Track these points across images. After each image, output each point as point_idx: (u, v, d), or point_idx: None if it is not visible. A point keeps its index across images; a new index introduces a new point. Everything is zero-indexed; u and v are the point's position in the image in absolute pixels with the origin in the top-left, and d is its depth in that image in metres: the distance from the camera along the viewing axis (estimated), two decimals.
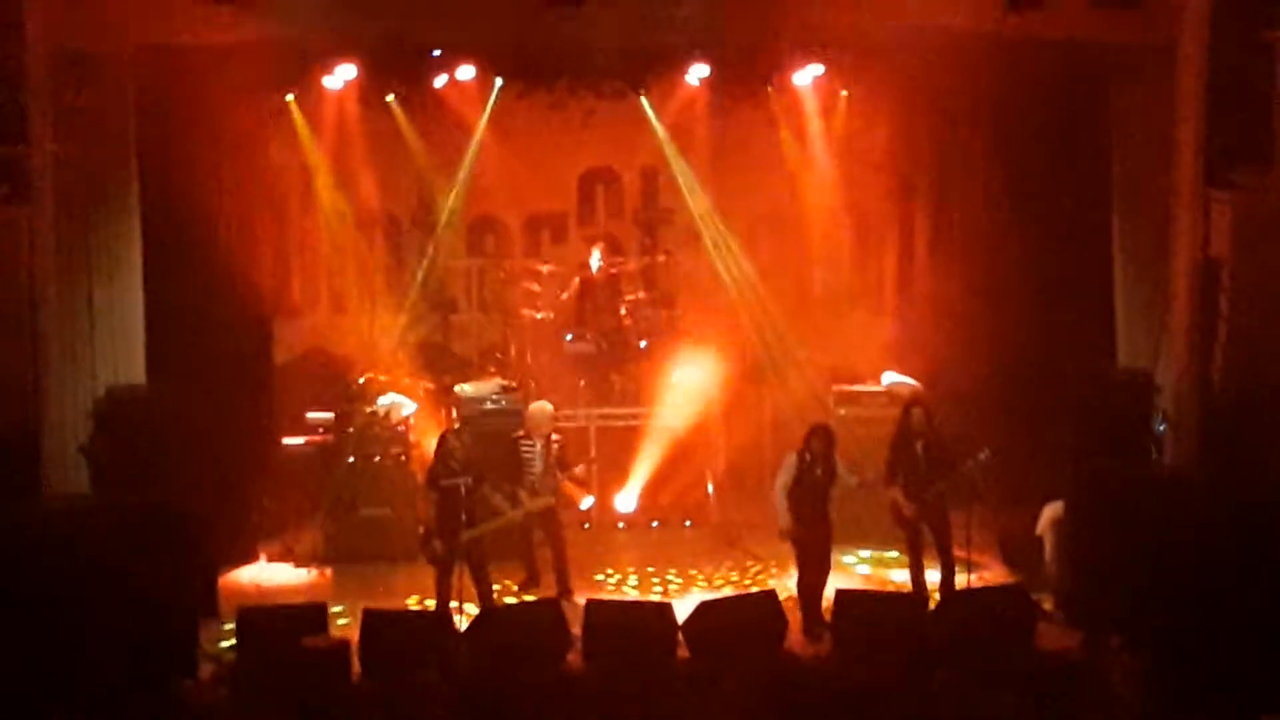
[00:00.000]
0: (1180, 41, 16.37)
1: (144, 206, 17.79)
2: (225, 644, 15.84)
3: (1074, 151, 18.84)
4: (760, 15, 18.13)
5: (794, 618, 16.15)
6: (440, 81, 20.46)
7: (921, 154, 20.72)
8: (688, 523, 19.97)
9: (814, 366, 20.30)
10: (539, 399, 18.94)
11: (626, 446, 19.97)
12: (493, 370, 20.96)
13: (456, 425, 18.80)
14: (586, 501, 19.04)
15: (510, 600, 17.18)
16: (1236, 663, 14.27)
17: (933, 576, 16.88)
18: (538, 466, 17.55)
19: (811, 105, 21.07)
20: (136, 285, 17.75)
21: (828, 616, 16.15)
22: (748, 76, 20.87)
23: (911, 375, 19.69)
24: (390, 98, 20.74)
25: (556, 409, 18.47)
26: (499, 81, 20.46)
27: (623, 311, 21.44)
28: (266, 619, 15.58)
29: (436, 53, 19.80)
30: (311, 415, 20.31)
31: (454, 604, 16.19)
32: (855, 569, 18.39)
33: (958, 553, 16.71)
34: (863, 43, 19.01)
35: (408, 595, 17.33)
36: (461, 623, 15.77)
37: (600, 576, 18.30)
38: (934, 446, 16.82)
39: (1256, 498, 15.19)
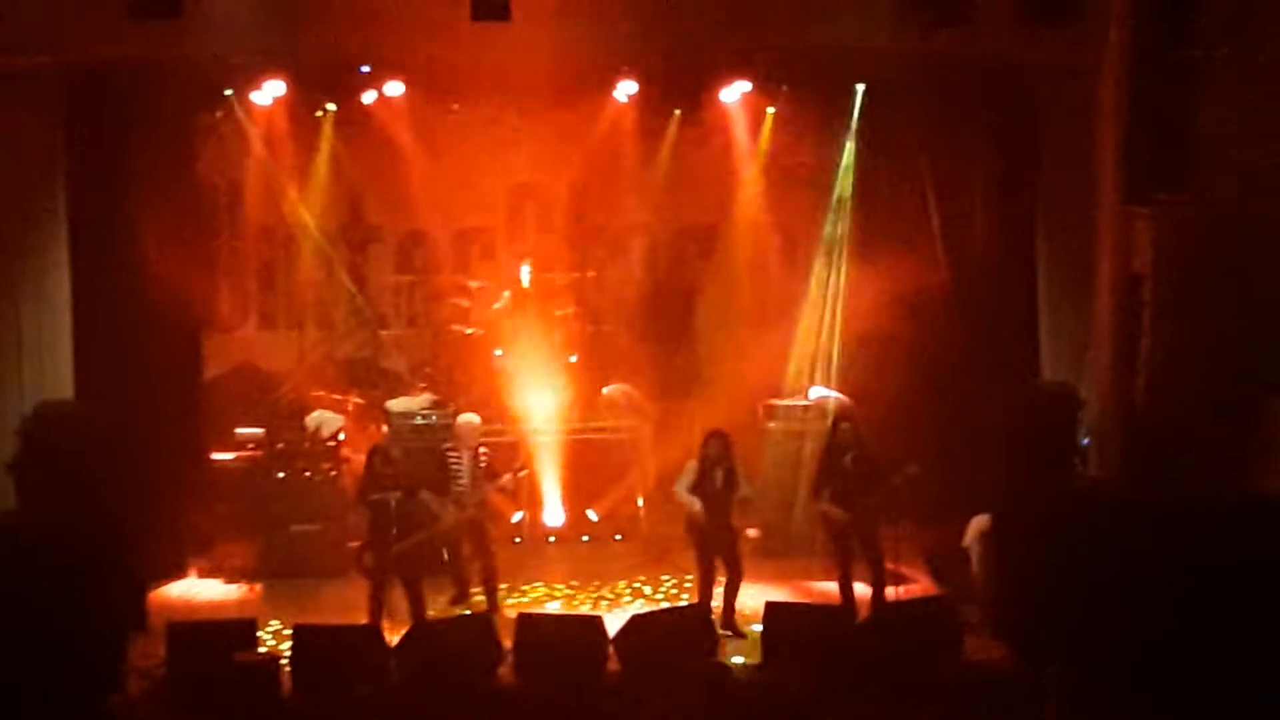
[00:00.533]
0: (1102, 60, 16.56)
1: (71, 222, 17.75)
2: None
3: (1000, 166, 19.02)
4: (688, 33, 18.21)
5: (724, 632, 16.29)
6: (369, 97, 20.49)
7: (847, 170, 20.86)
8: (618, 536, 20.05)
9: (741, 380, 20.39)
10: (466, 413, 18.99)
11: (556, 461, 20.02)
12: (422, 386, 20.95)
13: (385, 440, 18.80)
14: (516, 515, 19.07)
15: (441, 615, 17.20)
16: (1161, 673, 14.43)
17: (861, 589, 17.01)
18: (465, 479, 17.54)
19: (739, 122, 21.20)
20: (64, 301, 17.70)
21: (753, 626, 16.27)
22: (675, 93, 20.99)
23: (838, 389, 19.81)
24: (320, 113, 20.74)
25: (486, 424, 18.52)
26: None
27: (551, 327, 21.50)
28: (196, 634, 15.55)
29: (365, 69, 19.83)
30: (241, 431, 20.27)
31: (385, 619, 16.22)
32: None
33: (886, 565, 16.84)
34: (789, 61, 19.13)
35: (338, 610, 17.31)
36: (393, 638, 15.77)
37: (530, 591, 18.33)
38: (862, 460, 16.94)
39: (1179, 510, 15.36)
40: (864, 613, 16.64)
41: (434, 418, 19.65)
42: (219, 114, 20.19)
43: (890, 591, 16.80)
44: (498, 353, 21.27)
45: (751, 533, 19.64)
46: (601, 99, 20.90)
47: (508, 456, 18.64)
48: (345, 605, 17.18)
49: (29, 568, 14.89)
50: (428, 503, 16.75)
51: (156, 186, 18.85)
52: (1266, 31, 16.22)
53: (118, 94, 18.09)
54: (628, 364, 21.21)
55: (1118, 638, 14.89)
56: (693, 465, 17.03)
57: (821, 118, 20.55)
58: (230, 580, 18.84)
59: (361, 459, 17.59)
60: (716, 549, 17.02)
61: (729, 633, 16.62)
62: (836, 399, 19.58)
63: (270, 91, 19.80)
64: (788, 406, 19.97)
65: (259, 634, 15.71)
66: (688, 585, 18.25)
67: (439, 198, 21.91)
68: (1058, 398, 17.64)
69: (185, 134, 19.59)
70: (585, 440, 20.18)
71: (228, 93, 19.76)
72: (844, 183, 20.60)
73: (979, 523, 17.44)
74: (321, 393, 20.62)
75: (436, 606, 17.20)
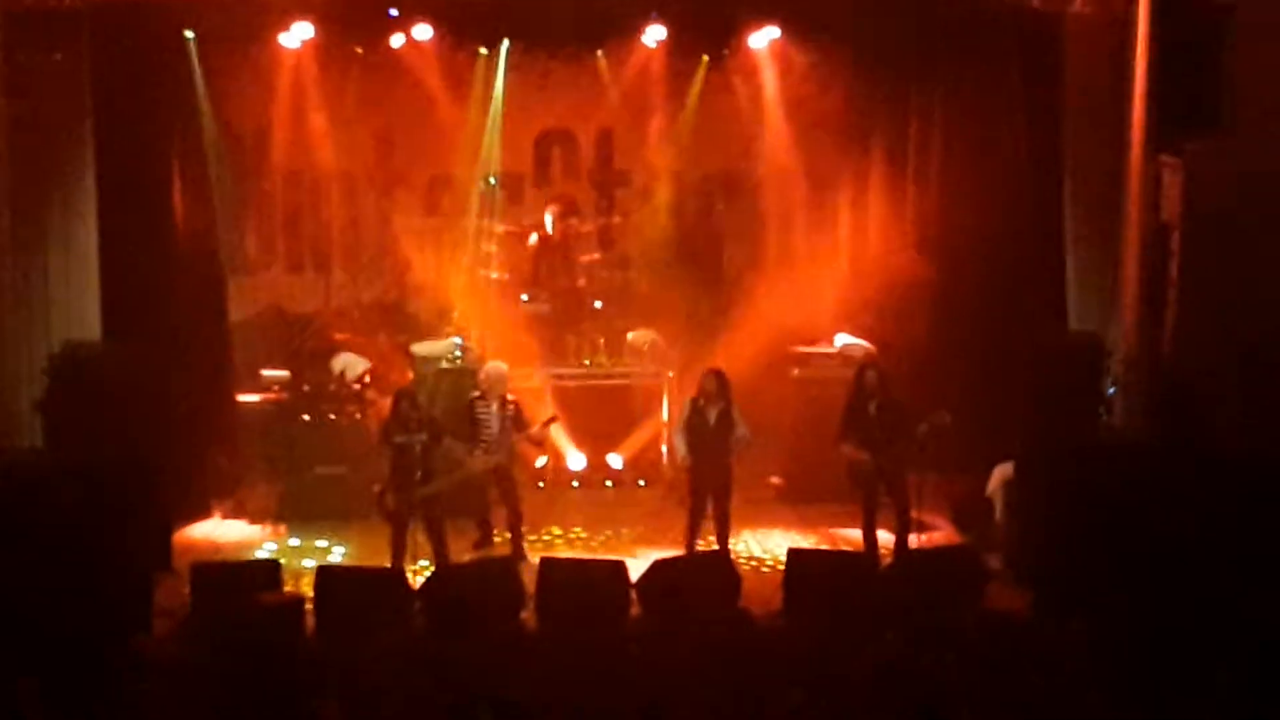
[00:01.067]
0: (1131, 7, 16.47)
1: (99, 164, 17.76)
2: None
3: (1027, 116, 18.92)
4: None
5: (748, 578, 16.31)
6: (397, 41, 20.45)
7: (877, 117, 20.76)
8: (641, 482, 20.08)
9: (767, 327, 20.37)
10: (493, 359, 19.01)
11: (580, 407, 20.05)
12: (448, 330, 20.97)
13: (411, 383, 18.83)
14: (540, 460, 19.11)
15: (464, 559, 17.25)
16: (1183, 625, 14.42)
17: (884, 536, 17.03)
18: (493, 427, 17.51)
19: (767, 68, 21.13)
20: (92, 242, 17.73)
21: (774, 574, 16.31)
22: (704, 39, 20.91)
23: (864, 337, 19.79)
24: (349, 56, 20.68)
25: (511, 368, 18.53)
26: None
27: (578, 272, 21.52)
28: (220, 575, 15.64)
29: (393, 12, 19.78)
30: (266, 373, 20.35)
31: (408, 562, 16.28)
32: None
33: (910, 513, 16.85)
34: (818, 7, 19.05)
35: (361, 552, 17.38)
36: (415, 580, 15.84)
37: (554, 534, 18.39)
38: (887, 408, 16.94)
39: (1204, 460, 15.34)
40: (887, 560, 16.66)
41: (459, 361, 19.67)
42: (248, 55, 20.14)
43: (913, 539, 16.81)
44: (524, 297, 21.28)
45: (774, 480, 19.70)
46: (630, 44, 20.85)
47: (534, 403, 18.65)
48: (369, 548, 17.24)
49: (56, 507, 14.97)
50: (451, 448, 16.79)
51: (184, 128, 18.87)
52: None
53: (145, 36, 18.07)
54: (653, 310, 21.18)
55: (1140, 588, 14.88)
56: (688, 402, 17.23)
57: (850, 65, 20.43)
58: (254, 521, 18.92)
59: (386, 402, 17.62)
60: (708, 486, 17.13)
61: None
62: (862, 346, 19.55)
63: (299, 34, 19.77)
64: (813, 354, 19.97)
65: (282, 575, 15.76)
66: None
67: (466, 142, 21.86)
68: (1084, 347, 17.60)
69: (214, 75, 19.57)
70: (610, 386, 20.21)
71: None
72: (872, 130, 20.52)
73: (1003, 471, 17.44)
74: (347, 335, 20.62)
75: (460, 550, 17.25)
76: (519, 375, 19.02)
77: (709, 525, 17.18)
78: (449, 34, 20.32)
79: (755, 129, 21.50)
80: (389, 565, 16.33)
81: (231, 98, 20.39)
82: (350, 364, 19.68)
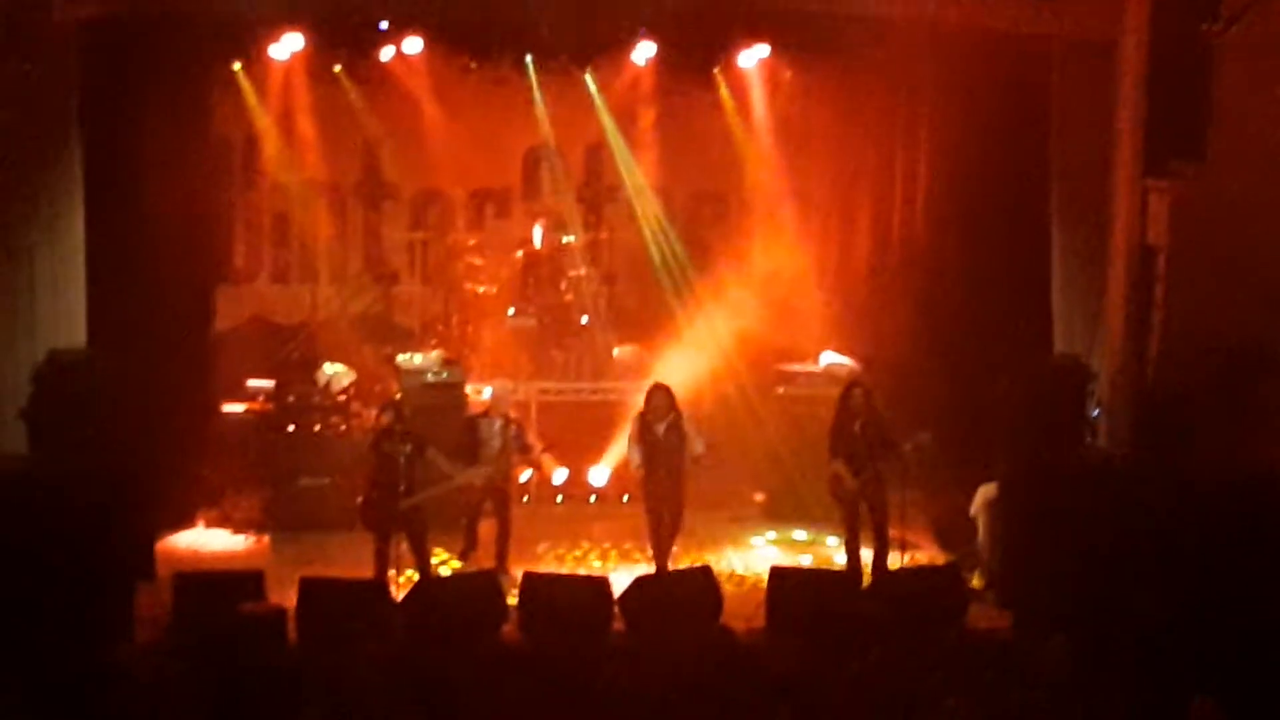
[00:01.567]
0: (1121, 33, 16.53)
1: (87, 173, 17.72)
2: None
3: (1014, 139, 18.97)
4: None
5: (730, 595, 16.33)
6: (387, 54, 20.47)
7: (864, 138, 20.82)
8: (625, 498, 20.09)
9: (753, 345, 20.41)
10: (483, 374, 19.05)
11: (566, 422, 20.05)
12: (434, 343, 21.00)
13: (399, 395, 18.84)
14: (525, 474, 19.16)
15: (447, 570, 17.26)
16: (1166, 645, 14.45)
17: (867, 555, 17.06)
18: (494, 445, 17.46)
19: (756, 86, 21.18)
20: (79, 250, 17.69)
21: (757, 591, 16.32)
22: (693, 56, 20.95)
23: (849, 356, 19.84)
24: (338, 68, 20.70)
25: (496, 380, 18.53)
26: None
27: (564, 287, 21.54)
28: (203, 585, 15.62)
29: (383, 25, 19.80)
30: (252, 383, 20.36)
31: (391, 573, 16.27)
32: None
33: (892, 532, 16.89)
34: (807, 27, 19.10)
35: (345, 564, 17.37)
36: (398, 592, 15.83)
37: (537, 549, 18.38)
38: (873, 427, 17.00)
39: (1187, 482, 15.37)
40: (869, 579, 16.68)
41: (445, 375, 19.67)
42: (236, 67, 20.17)
43: (896, 558, 16.84)
44: (510, 312, 21.30)
45: (758, 497, 19.73)
46: (620, 61, 20.88)
47: (520, 417, 18.70)
48: (352, 559, 17.23)
49: (39, 514, 14.94)
50: (435, 460, 16.77)
51: (172, 139, 18.87)
52: None
53: (134, 45, 18.07)
54: (640, 325, 21.21)
55: (1122, 609, 14.92)
56: (636, 417, 17.39)
57: (838, 84, 20.49)
58: (238, 531, 18.91)
59: (371, 414, 17.64)
60: (661, 499, 17.28)
61: None
62: (847, 365, 19.60)
63: (288, 46, 19.78)
64: (798, 372, 20.00)
65: (265, 586, 15.74)
66: (692, 547, 18.34)
67: (455, 156, 21.88)
68: (1068, 369, 17.61)
69: (201, 86, 19.59)
70: (595, 401, 20.23)
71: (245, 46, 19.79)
72: (859, 150, 20.57)
73: (986, 491, 17.48)
74: (332, 347, 20.64)
75: (445, 557, 17.25)
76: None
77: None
78: (439, 47, 20.34)
79: (743, 147, 21.53)
80: (372, 577, 16.31)
81: (220, 108, 20.38)
82: (336, 375, 19.69)
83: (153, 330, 18.35)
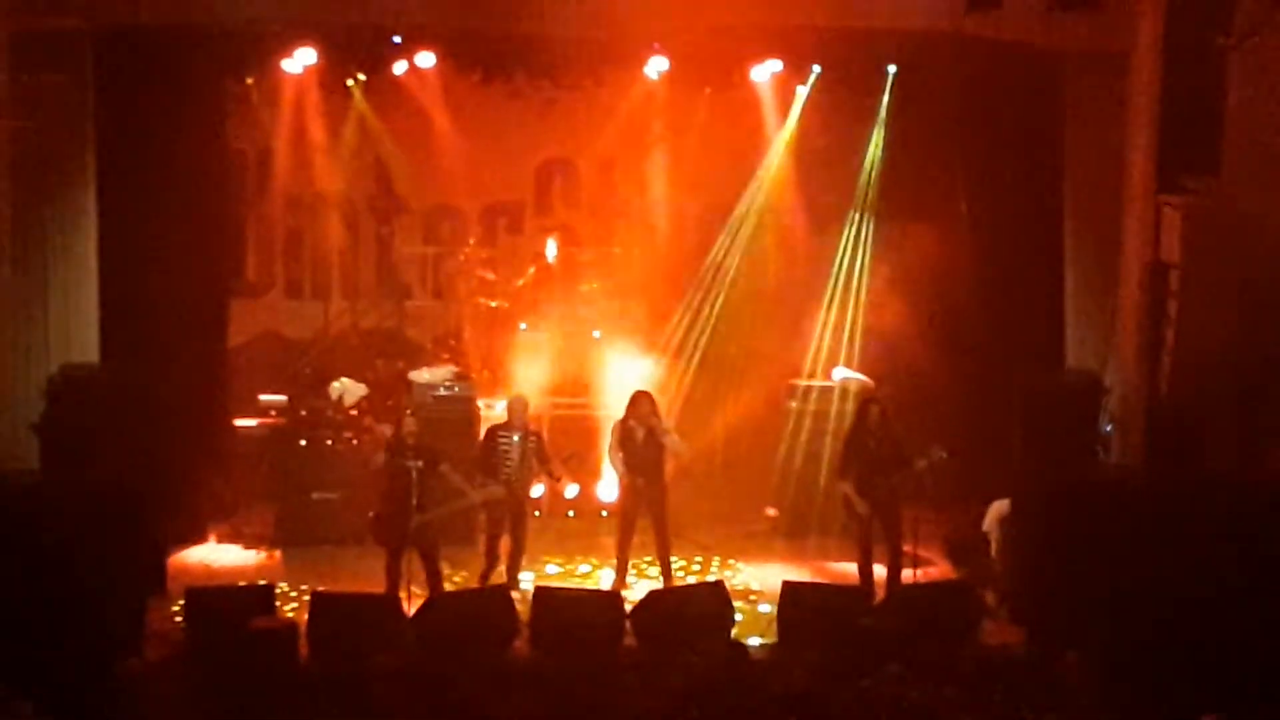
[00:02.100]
0: (1135, 47, 16.51)
1: (101, 185, 17.78)
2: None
3: (1027, 153, 18.97)
4: (720, 11, 18.18)
5: (742, 610, 16.31)
6: (400, 68, 20.47)
7: (875, 152, 20.80)
8: (635, 518, 20.05)
9: (765, 359, 20.39)
10: (495, 389, 19.01)
11: (577, 436, 20.02)
12: (446, 357, 20.98)
13: (411, 410, 18.78)
14: (571, 489, 19.16)
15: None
16: (1178, 660, 14.43)
17: (880, 571, 17.03)
18: (514, 458, 17.39)
19: (769, 101, 21.16)
20: (92, 264, 17.75)
21: (771, 607, 16.30)
22: (706, 71, 20.93)
23: (862, 371, 19.81)
24: (360, 78, 20.70)
25: (513, 393, 18.50)
26: None
27: (577, 302, 21.52)
28: (215, 599, 15.62)
29: (397, 39, 19.81)
30: (264, 397, 20.36)
31: (403, 588, 16.25)
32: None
33: (904, 548, 16.85)
34: (820, 42, 19.08)
35: (356, 578, 17.35)
36: (410, 607, 15.81)
37: (547, 564, 18.37)
38: (887, 443, 16.97)
39: (1199, 498, 15.35)
40: (882, 594, 16.66)
41: (456, 389, 19.67)
42: (249, 80, 20.20)
43: (908, 574, 16.81)
44: (522, 326, 21.29)
45: (770, 512, 19.70)
46: (632, 75, 20.87)
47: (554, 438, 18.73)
48: (363, 574, 17.22)
49: (51, 528, 14.95)
50: (448, 476, 16.72)
51: (186, 152, 18.89)
52: None
53: (149, 58, 18.10)
54: (651, 340, 21.19)
55: (1135, 625, 14.89)
56: (617, 424, 17.55)
57: (851, 99, 20.47)
58: (249, 546, 18.91)
59: (383, 429, 17.62)
60: (639, 505, 17.43)
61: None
62: (859, 380, 19.58)
63: (301, 59, 19.76)
64: (810, 387, 19.97)
65: (275, 600, 15.75)
66: (704, 563, 18.34)
67: (467, 171, 21.88)
68: (1081, 385, 17.61)
69: (215, 100, 19.62)
70: (607, 416, 20.18)
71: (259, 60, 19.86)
72: (872, 165, 20.55)
73: (999, 507, 17.46)
74: (345, 361, 20.63)
75: (462, 580, 17.23)
76: None
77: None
78: (451, 62, 20.34)
79: (756, 161, 21.50)
80: (383, 591, 16.30)
81: (234, 122, 20.41)
82: (348, 390, 19.68)
83: (165, 344, 18.38)
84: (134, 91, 18.13)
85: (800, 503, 19.37)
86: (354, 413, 19.52)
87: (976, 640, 15.63)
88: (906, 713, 13.59)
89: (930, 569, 17.68)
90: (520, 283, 21.67)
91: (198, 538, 18.99)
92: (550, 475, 17.80)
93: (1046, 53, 17.98)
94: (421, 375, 20.10)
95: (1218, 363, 16.74)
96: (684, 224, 22.21)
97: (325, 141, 20.99)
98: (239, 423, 20.20)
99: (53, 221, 17.49)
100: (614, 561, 17.70)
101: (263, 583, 16.62)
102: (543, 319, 21.35)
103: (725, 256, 22.28)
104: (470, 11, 17.98)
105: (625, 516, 17.62)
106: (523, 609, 15.90)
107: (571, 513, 19.99)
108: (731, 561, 18.63)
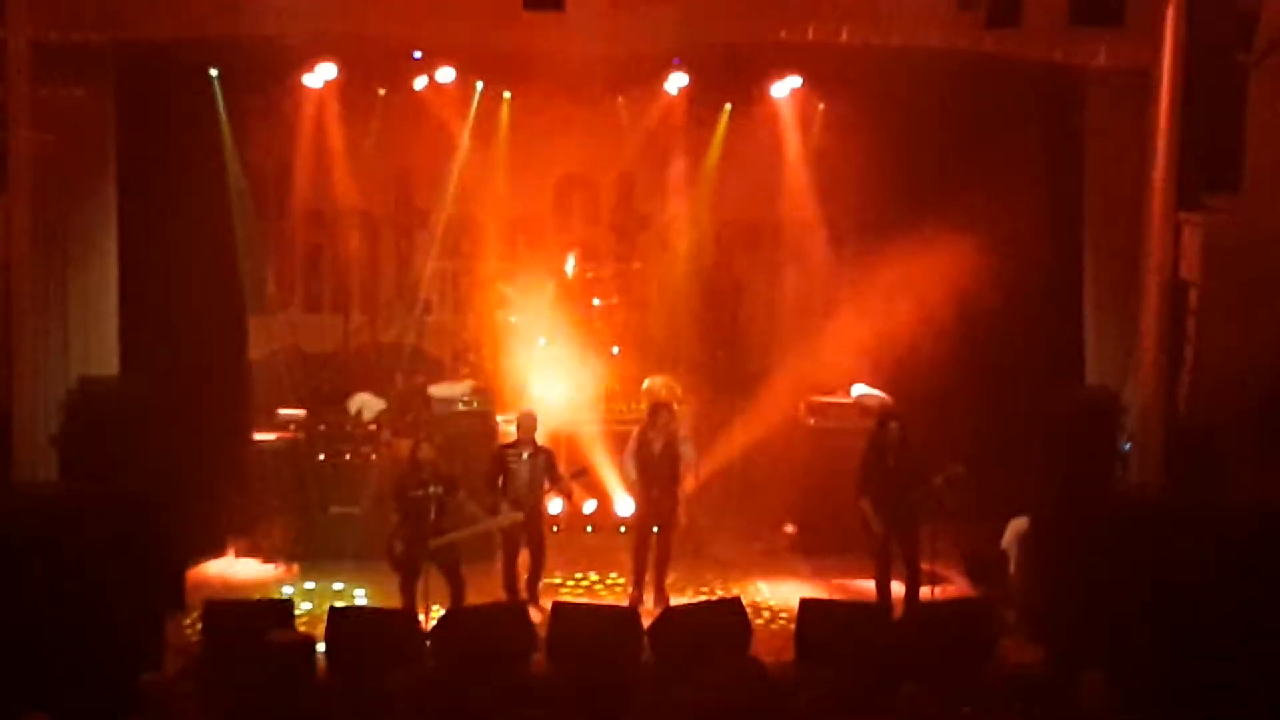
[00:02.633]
0: (1155, 65, 16.50)
1: (121, 198, 17.81)
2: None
3: (1048, 170, 18.96)
4: (740, 27, 18.19)
5: (760, 627, 16.30)
6: (420, 83, 20.52)
7: (897, 168, 20.79)
8: (655, 528, 20.03)
9: (784, 375, 20.38)
10: (513, 404, 19.03)
11: (596, 451, 20.02)
12: (465, 372, 21.00)
13: (426, 434, 18.71)
14: (589, 504, 19.17)
15: None
16: (1196, 680, 14.39)
17: (898, 589, 17.00)
18: (524, 477, 17.33)
19: (789, 117, 21.18)
20: (112, 276, 17.78)
21: (789, 623, 16.28)
22: (726, 87, 20.97)
23: (881, 388, 19.79)
24: (372, 97, 20.73)
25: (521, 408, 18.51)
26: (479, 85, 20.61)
27: (596, 317, 21.54)
28: (233, 613, 15.63)
29: (417, 55, 19.85)
30: (283, 412, 20.36)
31: (420, 603, 16.25)
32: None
33: (923, 565, 16.82)
34: (840, 58, 19.09)
35: (375, 593, 17.36)
36: (427, 622, 15.81)
37: (566, 579, 18.37)
38: (906, 460, 16.95)
39: (1218, 518, 15.30)
40: (900, 612, 16.63)
41: (475, 404, 19.70)
42: (270, 95, 20.25)
43: (927, 591, 16.78)
44: (541, 341, 21.30)
45: (789, 529, 19.69)
46: (652, 91, 20.91)
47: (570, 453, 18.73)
48: (382, 588, 17.22)
49: (69, 541, 14.96)
50: (464, 504, 16.65)
51: (206, 165, 18.93)
52: None
53: (170, 73, 18.15)
54: (670, 356, 21.20)
55: (1154, 644, 14.86)
56: (636, 432, 17.70)
57: (871, 115, 20.48)
58: (268, 560, 18.93)
59: (401, 444, 17.62)
60: (653, 516, 17.50)
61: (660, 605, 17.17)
62: (879, 397, 19.56)
63: (322, 74, 19.85)
64: (830, 403, 19.97)
65: (294, 614, 15.76)
66: (722, 578, 18.32)
67: (487, 185, 21.90)
68: (1100, 402, 17.56)
69: (236, 114, 19.66)
70: (625, 431, 20.17)
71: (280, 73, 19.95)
72: (891, 182, 20.54)
73: (1018, 525, 17.44)
74: (364, 376, 20.66)
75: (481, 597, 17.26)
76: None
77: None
78: (471, 77, 20.38)
79: (776, 177, 21.51)
80: (401, 606, 16.30)
81: (254, 136, 20.47)
82: (367, 404, 19.70)
83: (185, 358, 18.44)
84: (156, 105, 18.18)
85: (818, 520, 19.36)
86: (373, 428, 19.53)
87: (995, 659, 15.58)
88: None
89: (949, 587, 17.67)
90: (539, 297, 21.66)
91: (216, 551, 19.04)
92: (562, 493, 17.79)
93: (1066, 70, 17.95)
94: (440, 390, 20.12)
95: (1237, 380, 16.70)
96: (703, 240, 22.22)
97: (345, 156, 21.04)
98: (258, 437, 20.20)
99: (73, 234, 17.53)
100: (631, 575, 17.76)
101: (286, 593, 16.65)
102: (561, 334, 21.37)
103: (745, 272, 22.34)
104: (489, 27, 17.97)
105: (641, 529, 17.64)
106: (540, 624, 15.90)
107: (590, 528, 20.01)
108: (750, 578, 18.60)
